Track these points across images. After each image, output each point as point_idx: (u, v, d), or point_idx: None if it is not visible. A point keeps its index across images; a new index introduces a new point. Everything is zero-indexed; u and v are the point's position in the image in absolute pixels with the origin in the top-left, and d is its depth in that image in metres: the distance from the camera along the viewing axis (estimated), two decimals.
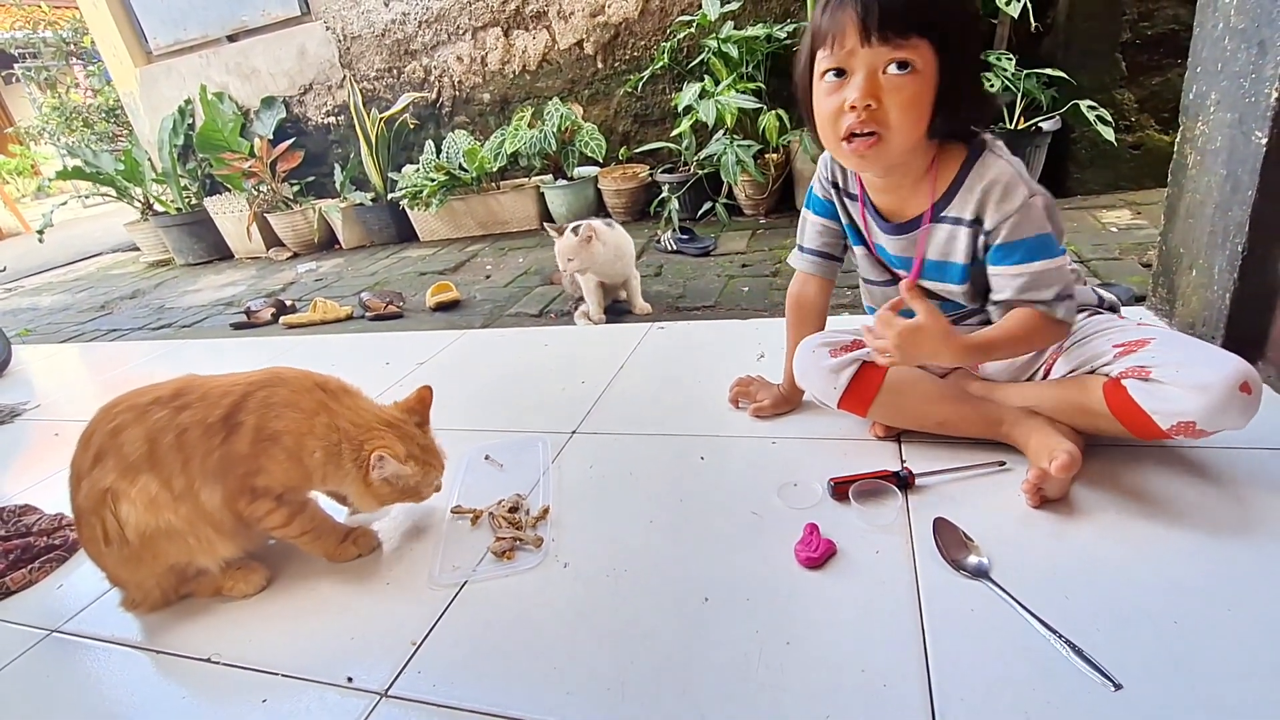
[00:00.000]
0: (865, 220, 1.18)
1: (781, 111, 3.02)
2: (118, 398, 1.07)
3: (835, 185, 1.21)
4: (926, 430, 1.21)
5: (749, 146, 2.99)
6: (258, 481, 1.03)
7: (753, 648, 0.85)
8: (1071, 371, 1.10)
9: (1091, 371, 1.06)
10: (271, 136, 4.36)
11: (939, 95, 0.94)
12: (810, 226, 1.28)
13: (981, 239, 1.05)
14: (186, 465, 1.00)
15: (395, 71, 4.13)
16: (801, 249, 1.30)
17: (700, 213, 3.31)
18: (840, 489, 1.09)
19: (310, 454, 1.03)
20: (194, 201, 4.69)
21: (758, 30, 3.07)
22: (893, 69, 0.92)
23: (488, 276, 3.14)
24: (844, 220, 1.23)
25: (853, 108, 0.95)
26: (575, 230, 2.12)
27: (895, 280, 1.21)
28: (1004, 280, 1.03)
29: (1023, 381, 1.20)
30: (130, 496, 0.99)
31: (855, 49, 0.93)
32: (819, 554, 0.96)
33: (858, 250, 1.24)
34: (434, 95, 4.10)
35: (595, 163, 3.68)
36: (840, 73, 0.96)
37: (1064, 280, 1.01)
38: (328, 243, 4.44)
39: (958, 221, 1.05)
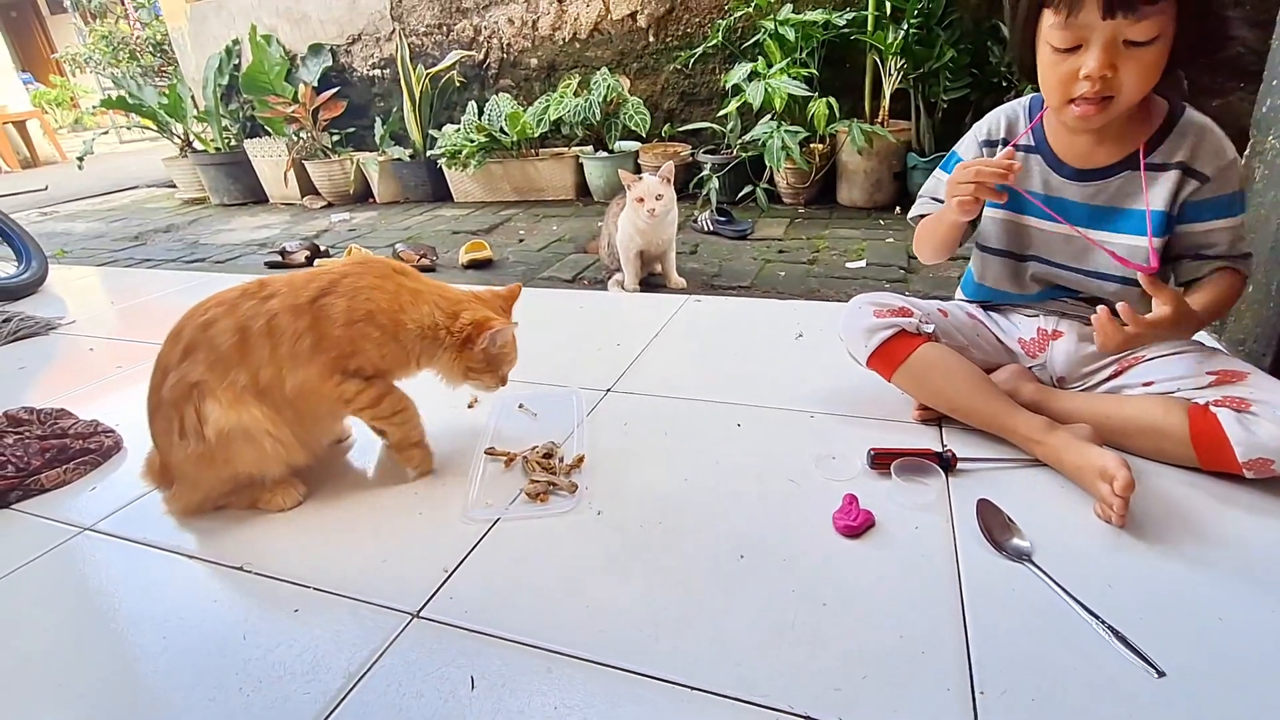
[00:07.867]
0: (1036, 171, 1.12)
1: (832, 100, 2.97)
2: (207, 298, 1.09)
3: (995, 142, 1.16)
4: (939, 410, 1.20)
5: (796, 133, 2.95)
6: (350, 364, 1.07)
7: (788, 605, 0.85)
8: (1149, 384, 1.08)
9: (1175, 393, 1.05)
10: (316, 84, 4.35)
11: (1174, 51, 0.91)
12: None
13: (1186, 189, 1.02)
14: (275, 350, 1.03)
15: (445, 28, 4.11)
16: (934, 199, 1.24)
17: (739, 196, 3.27)
18: (881, 460, 1.08)
19: (405, 329, 1.09)
20: (233, 142, 4.70)
21: (817, 15, 3.01)
22: (1133, 38, 0.88)
23: (521, 240, 3.13)
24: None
25: (1088, 77, 0.91)
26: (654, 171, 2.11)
27: (1022, 257, 1.18)
28: (1220, 234, 1.02)
29: (1086, 391, 1.17)
30: (216, 394, 1.01)
31: (1094, 23, 0.88)
32: (858, 523, 0.96)
33: (999, 214, 1.17)
34: (482, 56, 4.07)
35: (638, 137, 3.64)
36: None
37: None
38: (362, 195, 4.45)
39: (1163, 166, 1.02)
